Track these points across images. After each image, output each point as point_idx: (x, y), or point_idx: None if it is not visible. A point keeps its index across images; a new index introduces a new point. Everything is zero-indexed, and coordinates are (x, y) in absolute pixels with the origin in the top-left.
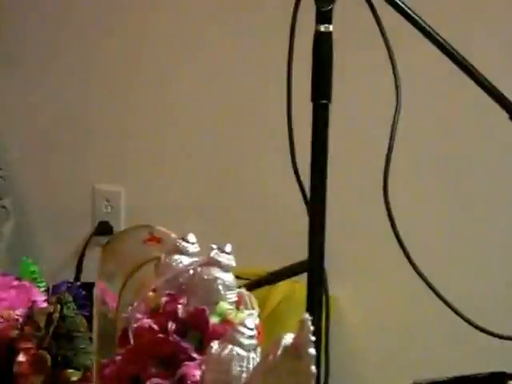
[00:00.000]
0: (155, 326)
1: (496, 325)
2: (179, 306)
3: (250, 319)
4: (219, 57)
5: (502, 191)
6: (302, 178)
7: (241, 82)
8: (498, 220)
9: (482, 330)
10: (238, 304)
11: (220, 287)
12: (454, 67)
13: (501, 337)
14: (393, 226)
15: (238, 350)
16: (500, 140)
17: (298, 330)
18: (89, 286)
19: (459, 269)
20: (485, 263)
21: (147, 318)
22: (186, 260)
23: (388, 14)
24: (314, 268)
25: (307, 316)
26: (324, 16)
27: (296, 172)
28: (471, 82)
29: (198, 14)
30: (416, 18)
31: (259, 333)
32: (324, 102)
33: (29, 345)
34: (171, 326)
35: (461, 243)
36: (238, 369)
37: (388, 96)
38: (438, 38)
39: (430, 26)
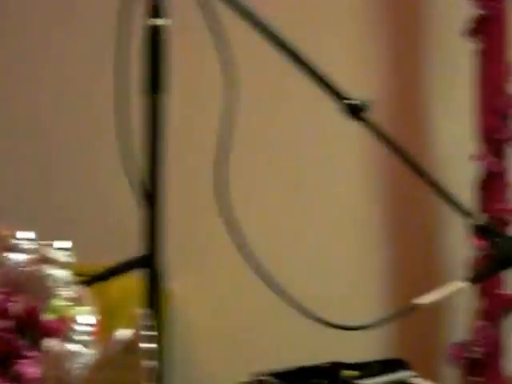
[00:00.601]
0: None
1: (335, 317)
2: (11, 304)
3: (86, 315)
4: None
5: (343, 192)
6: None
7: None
8: (335, 218)
9: (322, 321)
10: (75, 300)
11: (53, 284)
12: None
13: (341, 327)
14: (231, 222)
15: (74, 346)
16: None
17: (134, 325)
18: None
19: (300, 265)
20: (325, 262)
21: None
22: (18, 257)
23: (224, 8)
24: (151, 263)
25: (143, 311)
26: (157, 10)
27: (134, 167)
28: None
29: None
30: (250, 12)
31: (96, 329)
32: (158, 94)
33: None
34: (2, 323)
35: (299, 241)
36: (75, 365)
37: (226, 94)
38: (272, 31)
39: (263, 20)
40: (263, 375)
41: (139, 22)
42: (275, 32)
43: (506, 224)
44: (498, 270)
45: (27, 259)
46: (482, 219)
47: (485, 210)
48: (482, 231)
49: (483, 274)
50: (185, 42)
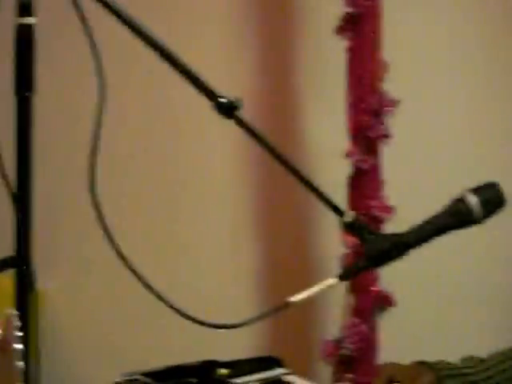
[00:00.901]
0: None
1: (208, 316)
2: None
3: None
4: None
5: (216, 190)
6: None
7: None
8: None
9: (194, 320)
10: None
11: None
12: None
13: (215, 326)
14: (101, 220)
15: None
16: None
17: (4, 325)
18: None
19: (172, 263)
20: (198, 260)
21: None
22: None
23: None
24: (20, 264)
25: (13, 311)
26: (25, 8)
27: (0, 167)
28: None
29: None
30: (121, 11)
31: None
32: (27, 94)
33: None
34: None
35: (172, 240)
36: None
37: (94, 91)
38: (143, 29)
39: (133, 19)
40: (136, 375)
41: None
42: (146, 30)
43: (380, 222)
44: (368, 267)
45: None
46: (352, 216)
47: (356, 208)
48: (351, 229)
49: (352, 271)
50: (54, 40)
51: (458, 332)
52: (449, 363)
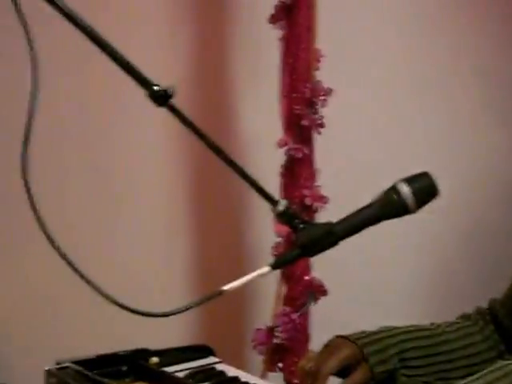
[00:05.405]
0: None
1: (140, 304)
2: None
3: None
4: None
5: (150, 179)
6: None
7: None
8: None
9: (125, 308)
10: None
11: None
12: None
13: (146, 314)
14: (35, 209)
15: None
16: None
17: None
18: None
19: (105, 251)
20: (130, 248)
21: None
22: None
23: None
24: None
25: None
26: None
27: None
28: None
29: None
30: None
31: None
32: None
33: None
34: None
35: (106, 228)
36: None
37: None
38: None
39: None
40: (67, 362)
41: None
42: (79, 18)
43: (313, 211)
44: (299, 256)
45: None
46: (284, 206)
47: (290, 197)
48: (284, 218)
49: (284, 261)
50: None
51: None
52: (364, 331)
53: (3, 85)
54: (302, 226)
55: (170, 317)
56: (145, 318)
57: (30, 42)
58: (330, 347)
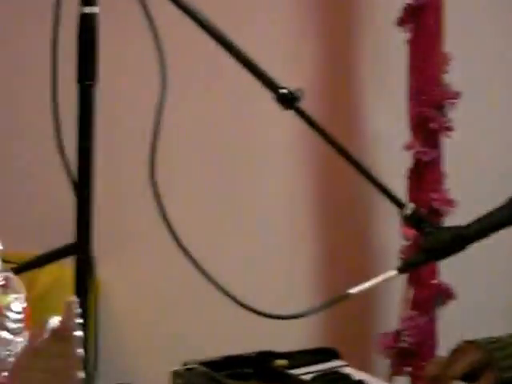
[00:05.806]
0: None
1: (266, 307)
2: None
3: (16, 303)
4: None
5: (276, 181)
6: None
7: None
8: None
9: (252, 310)
10: (5, 287)
11: None
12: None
13: (273, 317)
14: (162, 210)
15: (4, 333)
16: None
17: (65, 312)
18: None
19: (232, 253)
20: (257, 251)
21: None
22: None
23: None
24: (81, 252)
25: (73, 298)
26: None
27: (62, 155)
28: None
29: None
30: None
31: (27, 316)
32: (89, 83)
33: None
34: None
35: (232, 230)
36: (5, 353)
37: (156, 81)
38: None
39: (196, 10)
40: (192, 364)
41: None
42: (209, 22)
43: (440, 215)
44: (427, 260)
45: None
46: (412, 209)
47: (417, 200)
48: (411, 221)
49: (411, 264)
50: (115, 30)
51: None
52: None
53: (133, 88)
54: (429, 229)
55: (297, 319)
56: (268, 320)
57: (157, 42)
58: (457, 352)
